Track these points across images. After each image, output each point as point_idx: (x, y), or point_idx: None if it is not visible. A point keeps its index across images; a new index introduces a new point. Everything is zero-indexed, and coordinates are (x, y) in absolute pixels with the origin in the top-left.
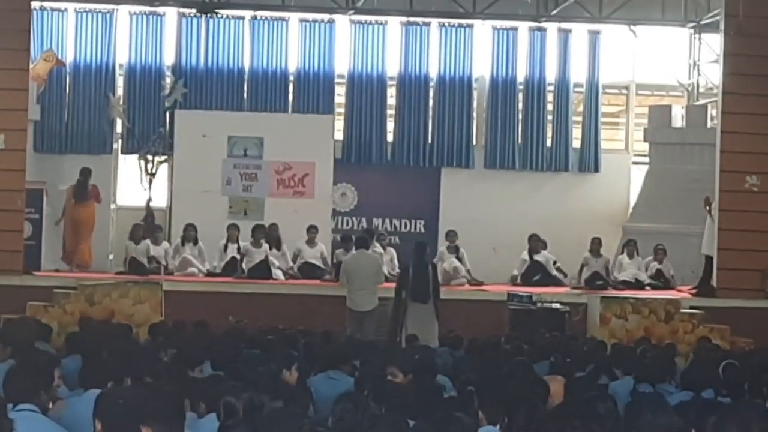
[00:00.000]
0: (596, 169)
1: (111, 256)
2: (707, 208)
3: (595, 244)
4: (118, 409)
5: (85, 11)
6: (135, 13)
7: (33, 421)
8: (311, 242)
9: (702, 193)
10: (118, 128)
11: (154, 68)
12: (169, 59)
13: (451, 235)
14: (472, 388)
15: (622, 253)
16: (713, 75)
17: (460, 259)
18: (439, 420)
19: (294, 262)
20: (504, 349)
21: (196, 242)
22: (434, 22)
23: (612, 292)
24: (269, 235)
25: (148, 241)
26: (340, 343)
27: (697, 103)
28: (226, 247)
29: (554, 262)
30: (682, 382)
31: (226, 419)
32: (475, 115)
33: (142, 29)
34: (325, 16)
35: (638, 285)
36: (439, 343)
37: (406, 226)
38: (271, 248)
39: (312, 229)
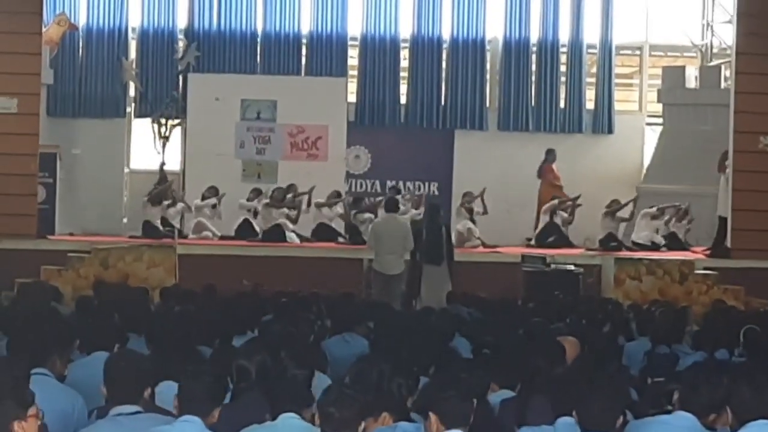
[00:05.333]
0: (610, 131)
1: (125, 220)
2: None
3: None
4: (120, 372)
5: None
6: None
7: (44, 386)
8: (331, 206)
9: (716, 154)
10: (131, 92)
11: (166, 31)
12: (181, 22)
13: (467, 196)
14: (487, 350)
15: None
16: (727, 35)
17: (474, 221)
18: (449, 380)
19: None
20: (520, 311)
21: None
22: None
23: (626, 254)
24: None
25: (164, 203)
26: (354, 305)
27: (711, 63)
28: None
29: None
30: (697, 343)
31: (239, 382)
32: (488, 76)
33: None
34: None
35: (654, 248)
36: (458, 303)
37: (419, 189)
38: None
39: (334, 193)
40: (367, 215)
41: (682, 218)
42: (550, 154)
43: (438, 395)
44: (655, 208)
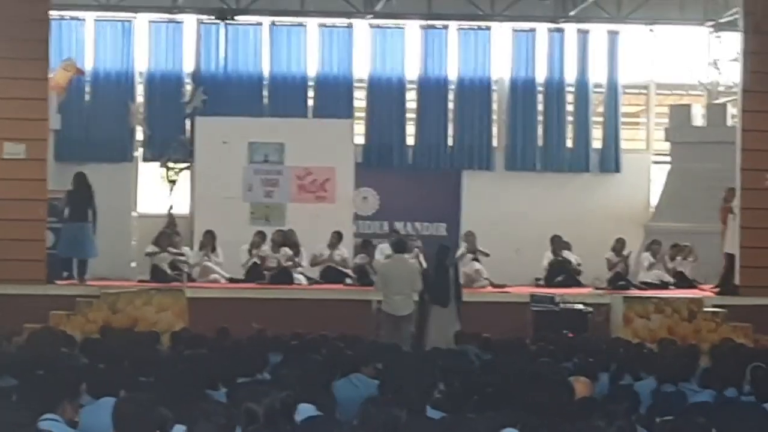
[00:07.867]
0: (617, 169)
1: (133, 264)
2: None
3: (619, 244)
4: (129, 416)
5: (103, 20)
6: (154, 21)
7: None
8: (333, 246)
9: (723, 192)
10: (139, 136)
11: (173, 75)
12: (188, 66)
13: (469, 236)
14: (495, 391)
15: (646, 251)
16: (733, 73)
17: (477, 260)
18: (456, 421)
19: (313, 265)
20: (529, 351)
21: (213, 249)
22: (453, 24)
23: (635, 292)
24: (288, 239)
25: (171, 250)
26: (363, 346)
27: (717, 101)
28: (250, 252)
29: (578, 264)
30: (705, 381)
31: (248, 425)
32: (495, 117)
33: (161, 37)
34: (344, 21)
35: (662, 287)
36: (467, 344)
37: (427, 230)
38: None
39: (335, 235)
40: (366, 258)
41: (687, 257)
42: (727, 193)
43: None
44: (650, 254)
